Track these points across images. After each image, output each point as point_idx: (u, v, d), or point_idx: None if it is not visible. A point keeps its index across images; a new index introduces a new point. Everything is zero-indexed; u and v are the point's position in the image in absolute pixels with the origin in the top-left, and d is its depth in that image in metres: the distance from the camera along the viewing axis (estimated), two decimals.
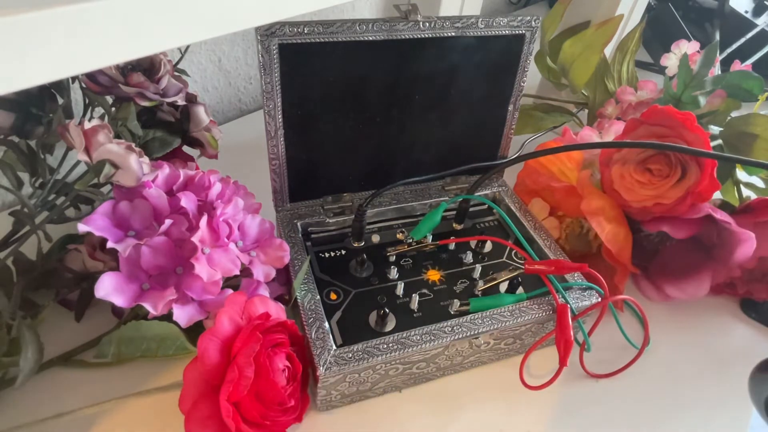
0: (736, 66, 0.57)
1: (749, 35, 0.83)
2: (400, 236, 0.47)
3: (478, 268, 0.44)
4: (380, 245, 0.46)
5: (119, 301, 0.32)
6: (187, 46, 0.58)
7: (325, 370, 0.34)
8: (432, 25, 0.41)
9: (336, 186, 0.47)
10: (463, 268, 0.45)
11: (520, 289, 0.42)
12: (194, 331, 0.35)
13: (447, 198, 0.50)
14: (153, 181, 0.36)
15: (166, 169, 0.37)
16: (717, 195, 0.53)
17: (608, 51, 0.65)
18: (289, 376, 0.34)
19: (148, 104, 0.42)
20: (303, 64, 0.39)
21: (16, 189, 0.37)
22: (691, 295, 0.46)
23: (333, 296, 0.41)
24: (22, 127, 0.39)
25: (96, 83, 0.40)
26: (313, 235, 0.46)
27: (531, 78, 0.50)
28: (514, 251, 0.47)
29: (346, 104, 0.42)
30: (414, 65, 0.42)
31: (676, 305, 0.50)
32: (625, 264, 0.45)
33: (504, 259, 0.46)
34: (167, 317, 0.34)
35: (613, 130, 0.53)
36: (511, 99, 0.48)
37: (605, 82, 0.64)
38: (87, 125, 0.33)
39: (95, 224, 0.33)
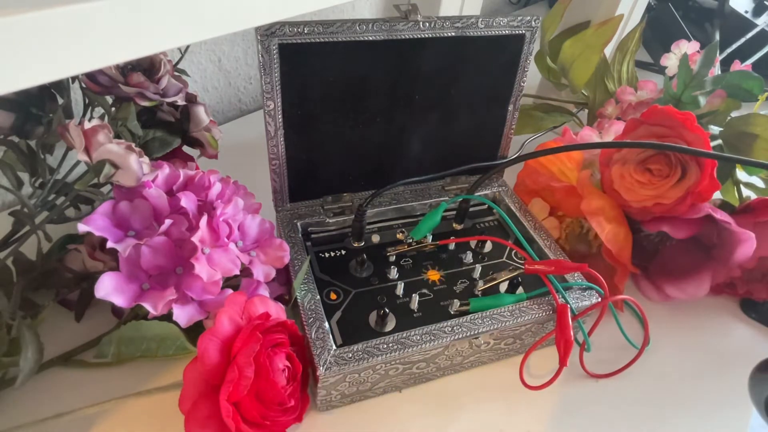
0: (736, 66, 0.57)
1: (749, 35, 0.83)
2: (400, 236, 0.47)
3: (478, 268, 0.44)
4: (380, 245, 0.46)
5: (119, 301, 0.32)
6: (187, 46, 0.58)
7: (325, 370, 0.34)
8: (432, 25, 0.41)
9: (336, 186, 0.47)
10: (463, 268, 0.45)
11: (520, 289, 0.42)
12: (194, 331, 0.35)
13: (447, 198, 0.50)
14: (153, 181, 0.36)
15: (166, 169, 0.37)
16: (717, 195, 0.53)
17: (608, 51, 0.65)
18: (289, 376, 0.34)
19: (148, 104, 0.42)
20: (303, 64, 0.39)
21: (16, 189, 0.37)
22: (691, 295, 0.46)
23: (333, 296, 0.41)
24: (22, 127, 0.39)
25: (96, 83, 0.40)
26: (313, 235, 0.46)
27: (531, 78, 0.50)
28: (514, 251, 0.47)
29: (346, 104, 0.42)
30: (414, 65, 0.42)
31: (676, 305, 0.50)
32: (625, 264, 0.45)
33: (504, 259, 0.46)
34: (167, 317, 0.34)
35: (613, 130, 0.53)
36: (511, 99, 0.48)
37: (605, 82, 0.64)
38: (87, 125, 0.33)
39: (95, 224, 0.33)
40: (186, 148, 0.48)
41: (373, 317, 0.39)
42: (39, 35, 0.17)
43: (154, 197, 0.35)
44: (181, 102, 0.44)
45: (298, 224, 0.45)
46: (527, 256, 0.44)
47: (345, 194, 0.47)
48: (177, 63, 0.48)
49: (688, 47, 0.60)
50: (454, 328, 0.38)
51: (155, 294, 0.33)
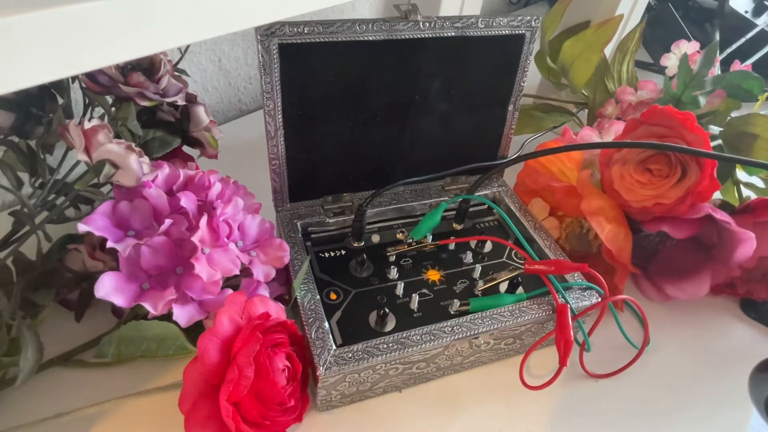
0: (736, 66, 0.57)
1: (749, 35, 0.83)
2: (400, 236, 0.47)
3: (478, 268, 0.44)
4: (380, 245, 0.46)
5: (119, 301, 0.32)
6: (187, 46, 0.58)
7: (325, 370, 0.34)
8: (432, 25, 0.41)
9: (336, 186, 0.47)
10: (463, 268, 0.45)
11: (520, 289, 0.42)
12: (194, 331, 0.35)
13: (447, 198, 0.50)
14: (153, 181, 0.36)
15: (166, 169, 0.37)
16: (717, 195, 0.53)
17: (608, 51, 0.65)
18: (289, 376, 0.34)
19: (148, 104, 0.42)
20: (303, 64, 0.39)
21: (16, 189, 0.37)
22: (691, 295, 0.46)
23: (333, 296, 0.41)
24: (22, 127, 0.39)
25: (96, 83, 0.40)
26: (313, 235, 0.46)
27: (531, 78, 0.50)
28: (514, 251, 0.47)
29: (346, 104, 0.42)
30: (414, 65, 0.42)
31: (676, 305, 0.50)
32: (625, 264, 0.45)
33: (504, 259, 0.46)
34: (167, 317, 0.34)
35: (613, 130, 0.53)
36: (511, 99, 0.48)
37: (605, 82, 0.64)
38: (87, 125, 0.33)
39: (95, 224, 0.33)
40: (186, 148, 0.48)
41: (373, 317, 0.39)
42: (39, 35, 0.17)
43: (154, 197, 0.35)
44: (181, 102, 0.44)
45: (298, 224, 0.45)
46: (527, 256, 0.44)
47: (345, 194, 0.47)
48: (177, 63, 0.48)
49: (688, 47, 0.60)
50: (454, 328, 0.38)
51: (155, 294, 0.33)
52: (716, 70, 0.57)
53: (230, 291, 0.35)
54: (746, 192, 0.54)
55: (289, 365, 0.34)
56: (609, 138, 0.52)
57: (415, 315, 0.40)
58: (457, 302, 0.40)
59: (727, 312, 0.51)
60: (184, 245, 0.35)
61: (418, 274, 0.44)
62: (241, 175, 0.44)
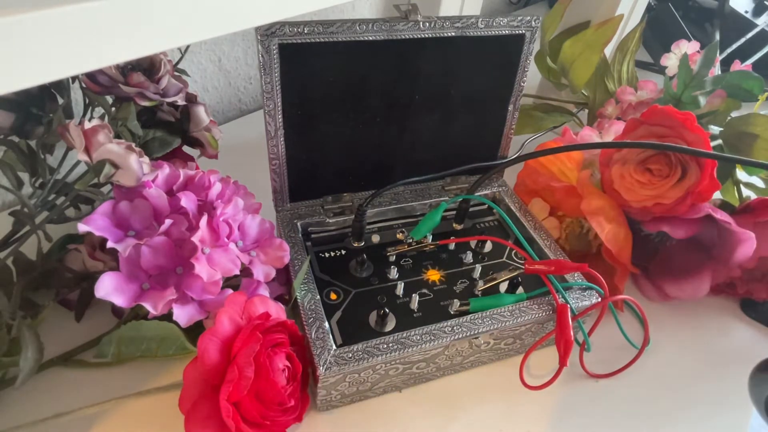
0: (736, 66, 0.57)
1: (749, 35, 0.83)
2: (400, 236, 0.47)
3: (478, 268, 0.44)
4: (380, 245, 0.46)
5: (119, 301, 0.32)
6: (187, 46, 0.58)
7: (325, 370, 0.34)
8: (432, 25, 0.41)
9: (336, 186, 0.47)
10: (463, 268, 0.45)
11: (520, 289, 0.42)
12: (194, 331, 0.35)
13: (447, 198, 0.50)
14: (153, 181, 0.36)
15: (166, 169, 0.37)
16: (717, 195, 0.53)
17: (608, 51, 0.65)
18: (289, 376, 0.34)
19: (148, 104, 0.42)
20: (303, 64, 0.39)
21: (16, 189, 0.37)
22: (691, 295, 0.46)
23: (333, 296, 0.41)
24: (22, 127, 0.39)
25: (96, 83, 0.40)
26: (313, 235, 0.46)
27: (531, 78, 0.50)
28: (514, 251, 0.47)
29: (346, 104, 0.42)
30: (414, 65, 0.42)
31: (676, 305, 0.50)
32: (625, 264, 0.45)
33: (504, 259, 0.46)
34: (167, 317, 0.34)
35: (613, 130, 0.53)
36: (511, 99, 0.48)
37: (605, 82, 0.64)
38: (87, 125, 0.33)
39: (95, 224, 0.33)
40: (186, 148, 0.48)
41: (373, 317, 0.39)
42: (39, 35, 0.17)
43: (154, 197, 0.35)
44: (181, 102, 0.44)
45: (298, 224, 0.45)
46: (527, 256, 0.44)
47: (345, 194, 0.47)
48: (177, 63, 0.48)
49: (688, 47, 0.60)
50: (454, 328, 0.38)
51: (155, 294, 0.33)
52: (716, 70, 0.57)
53: (230, 291, 0.35)
54: (746, 192, 0.54)
55: (289, 365, 0.34)
56: (609, 138, 0.52)
57: (415, 315, 0.40)
58: (457, 302, 0.40)
59: (727, 312, 0.51)
60: (184, 245, 0.35)
61: (418, 274, 0.44)
62: (241, 175, 0.44)
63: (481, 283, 0.43)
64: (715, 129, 0.55)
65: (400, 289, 0.41)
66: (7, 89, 0.17)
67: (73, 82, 0.44)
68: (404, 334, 0.37)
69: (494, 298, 0.40)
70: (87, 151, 0.34)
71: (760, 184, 0.54)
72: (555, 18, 0.62)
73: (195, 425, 0.31)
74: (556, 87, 0.67)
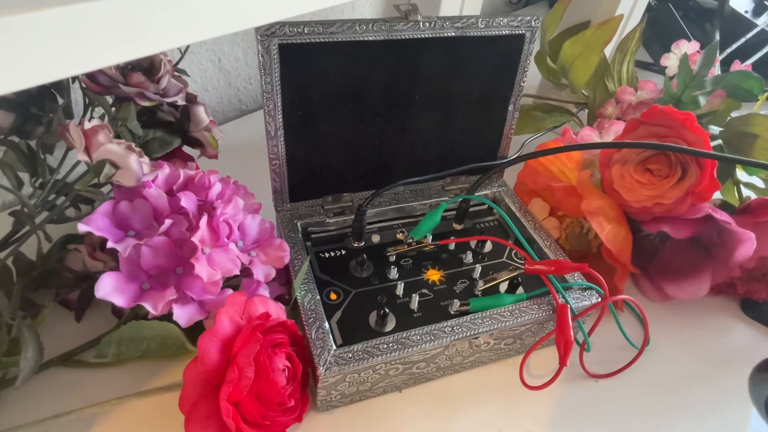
0: (736, 66, 0.57)
1: (749, 35, 0.83)
2: (400, 236, 0.47)
3: (478, 268, 0.44)
4: (380, 245, 0.46)
5: (119, 301, 0.32)
6: (187, 46, 0.58)
7: (325, 370, 0.34)
8: (432, 25, 0.41)
9: (336, 186, 0.47)
10: (463, 268, 0.45)
11: (520, 289, 0.42)
12: (194, 331, 0.35)
13: (447, 198, 0.50)
14: (153, 181, 0.36)
15: (166, 169, 0.37)
16: (717, 195, 0.53)
17: (608, 51, 0.65)
18: (289, 376, 0.34)
19: (148, 104, 0.42)
20: (303, 64, 0.39)
21: (16, 189, 0.37)
22: (691, 295, 0.46)
23: (333, 296, 0.41)
24: (22, 127, 0.39)
25: (96, 83, 0.40)
26: (313, 235, 0.46)
27: (531, 78, 0.50)
28: (514, 251, 0.47)
29: (346, 104, 0.42)
30: (414, 65, 0.42)
31: (676, 305, 0.50)
32: (625, 264, 0.45)
33: (504, 259, 0.46)
34: (167, 317, 0.34)
35: (613, 130, 0.53)
36: (511, 99, 0.48)
37: (605, 82, 0.64)
38: (87, 125, 0.33)
39: (95, 224, 0.33)
40: (186, 148, 0.48)
41: (373, 317, 0.39)
42: (39, 35, 0.17)
43: (154, 197, 0.35)
44: (181, 102, 0.44)
45: (298, 224, 0.45)
46: (527, 256, 0.44)
47: (345, 194, 0.47)
48: (177, 63, 0.48)
49: (688, 47, 0.60)
50: (454, 328, 0.38)
51: (155, 294, 0.33)
52: (716, 70, 0.57)
53: (230, 291, 0.35)
54: (746, 192, 0.54)
55: (289, 365, 0.34)
56: (609, 138, 0.52)
57: (415, 315, 0.40)
58: (457, 302, 0.40)
59: (727, 312, 0.51)
60: (184, 245, 0.35)
61: (418, 274, 0.44)
62: (241, 175, 0.44)
63: (481, 283, 0.43)
64: (715, 129, 0.55)
65: (400, 289, 0.41)
66: (7, 89, 0.17)
67: (73, 82, 0.44)
68: (404, 334, 0.37)
69: (494, 298, 0.40)
70: (87, 151, 0.34)
71: (760, 184, 0.54)
72: (555, 18, 0.62)
73: (195, 425, 0.31)
74: (556, 87, 0.67)
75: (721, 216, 0.43)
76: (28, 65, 0.17)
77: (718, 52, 0.55)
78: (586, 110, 0.67)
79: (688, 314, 0.50)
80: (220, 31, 0.23)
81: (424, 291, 0.42)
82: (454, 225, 0.49)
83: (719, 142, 0.54)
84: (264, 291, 0.38)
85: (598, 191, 0.47)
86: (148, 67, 0.43)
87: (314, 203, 0.47)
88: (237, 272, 0.35)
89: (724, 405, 0.43)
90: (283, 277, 0.42)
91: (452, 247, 0.46)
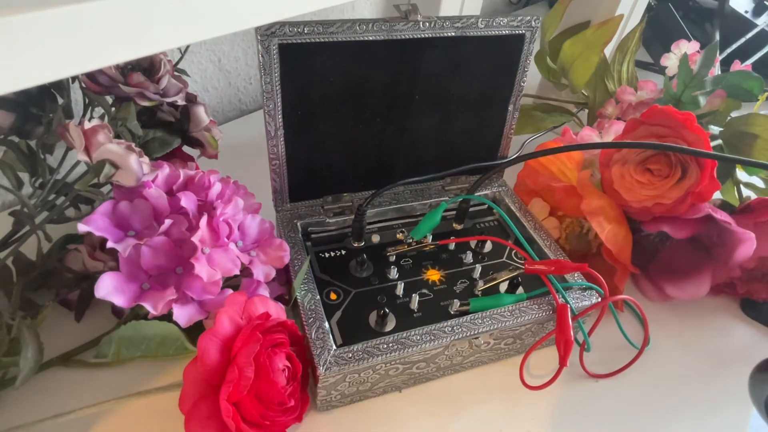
0: (736, 66, 0.57)
1: (749, 35, 0.83)
2: (400, 236, 0.47)
3: (478, 268, 0.44)
4: (380, 245, 0.46)
5: (119, 301, 0.32)
6: (187, 46, 0.58)
7: (325, 370, 0.34)
8: (432, 25, 0.41)
9: (336, 186, 0.47)
10: (463, 268, 0.45)
11: (520, 289, 0.42)
12: (194, 331, 0.35)
13: (447, 198, 0.50)
14: (153, 181, 0.36)
15: (166, 169, 0.37)
16: (717, 195, 0.53)
17: (608, 51, 0.65)
18: (289, 376, 0.34)
19: (148, 104, 0.42)
20: (303, 64, 0.39)
21: (16, 189, 0.37)
22: (691, 295, 0.46)
23: (333, 296, 0.41)
24: (22, 127, 0.39)
25: (96, 83, 0.40)
26: (313, 235, 0.46)
27: (531, 78, 0.50)
28: (514, 251, 0.47)
29: (346, 104, 0.42)
30: (414, 65, 0.42)
31: (676, 305, 0.50)
32: (625, 264, 0.45)
33: (504, 259, 0.46)
34: (167, 317, 0.34)
35: (613, 130, 0.53)
36: (511, 99, 0.48)
37: (605, 82, 0.64)
38: (87, 125, 0.33)
39: (95, 224, 0.33)
40: (186, 148, 0.48)
41: (373, 317, 0.39)
42: (39, 35, 0.17)
43: (154, 197, 0.35)
44: (181, 102, 0.44)
45: (298, 224, 0.45)
46: (527, 256, 0.44)
47: (345, 194, 0.47)
48: (177, 63, 0.48)
49: (688, 47, 0.60)
50: (454, 328, 0.38)
51: (155, 294, 0.33)
52: (716, 70, 0.57)
53: (230, 291, 0.35)
54: (746, 192, 0.54)
55: (289, 365, 0.34)
56: (609, 138, 0.52)
57: (415, 315, 0.40)
58: (457, 302, 0.40)
59: (727, 312, 0.51)
60: (184, 245, 0.35)
61: (418, 274, 0.44)
62: (241, 175, 0.44)
63: (481, 283, 0.43)
64: (715, 129, 0.55)
65: (400, 289, 0.41)
66: (7, 89, 0.17)
67: (73, 82, 0.44)
68: (404, 334, 0.37)
69: (494, 298, 0.40)
70: (87, 151, 0.34)
71: (760, 184, 0.54)
72: (555, 18, 0.62)
73: (195, 425, 0.31)
74: (556, 87, 0.67)
75: (721, 216, 0.43)
76: (28, 65, 0.17)
77: (718, 52, 0.55)
78: (586, 110, 0.67)
79: (688, 314, 0.50)
80: (220, 31, 0.23)
81: (424, 291, 0.42)
82: (454, 225, 0.49)
83: (719, 142, 0.54)
84: (264, 291, 0.38)
85: (598, 191, 0.47)
86: (148, 67, 0.43)
87: (314, 203, 0.47)
88: (237, 272, 0.35)
89: (724, 405, 0.43)
90: (283, 277, 0.42)
91: (452, 247, 0.46)
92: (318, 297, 0.39)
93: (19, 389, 0.34)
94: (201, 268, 0.33)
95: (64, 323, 0.41)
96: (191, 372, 0.32)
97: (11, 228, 0.39)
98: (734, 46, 0.81)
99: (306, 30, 0.37)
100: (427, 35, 0.41)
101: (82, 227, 0.32)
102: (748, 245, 0.42)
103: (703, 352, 0.47)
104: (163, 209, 0.36)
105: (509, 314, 0.39)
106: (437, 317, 0.39)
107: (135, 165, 0.34)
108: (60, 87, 0.40)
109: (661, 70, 0.62)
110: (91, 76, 0.40)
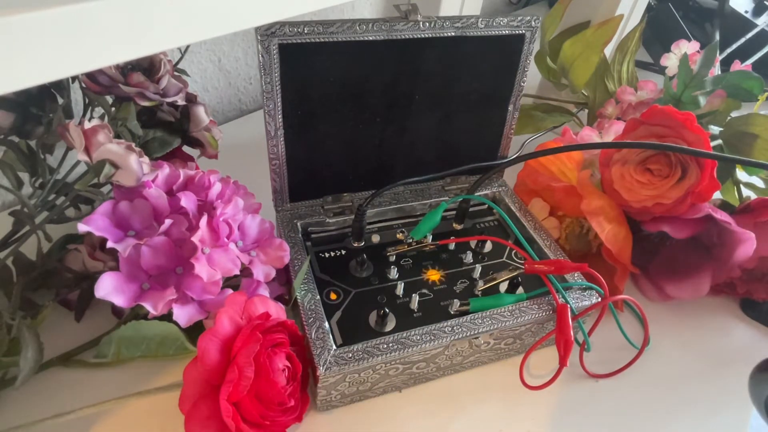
0: (736, 66, 0.57)
1: (749, 35, 0.83)
2: (400, 236, 0.47)
3: (478, 268, 0.44)
4: (380, 245, 0.46)
5: (119, 301, 0.32)
6: (187, 46, 0.58)
7: (325, 370, 0.34)
8: (432, 25, 0.41)
9: (336, 186, 0.47)
10: (463, 268, 0.45)
11: (520, 289, 0.42)
12: (194, 331, 0.35)
13: (447, 198, 0.50)
14: (153, 181, 0.36)
15: (166, 169, 0.37)
16: (717, 195, 0.53)
17: (608, 51, 0.65)
18: (289, 376, 0.34)
19: (148, 104, 0.42)
20: (303, 64, 0.39)
21: (16, 189, 0.37)
22: (691, 295, 0.46)
23: (333, 296, 0.41)
24: (22, 127, 0.39)
25: (96, 83, 0.40)
26: (313, 235, 0.46)
27: (531, 78, 0.50)
28: (514, 251, 0.47)
29: (346, 104, 0.42)
30: (414, 65, 0.42)
31: (676, 305, 0.50)
32: (625, 264, 0.45)
33: (504, 259, 0.46)
34: (167, 317, 0.34)
35: (613, 130, 0.53)
36: (511, 99, 0.48)
37: (605, 82, 0.64)
38: (87, 125, 0.33)
39: (95, 224, 0.33)
40: (186, 148, 0.48)
41: (373, 317, 0.39)
42: (39, 35, 0.17)
43: (154, 197, 0.35)
44: (181, 102, 0.44)
45: (298, 224, 0.45)
46: (527, 256, 0.44)
47: (345, 194, 0.47)
48: (177, 63, 0.48)
49: (688, 47, 0.60)
50: (454, 328, 0.38)
51: (155, 294, 0.33)
52: (716, 70, 0.57)
53: (230, 291, 0.35)
54: (746, 192, 0.54)
55: (289, 365, 0.34)
56: (609, 138, 0.52)
57: (415, 315, 0.40)
58: (457, 302, 0.40)
59: (727, 312, 0.51)
60: (184, 245, 0.35)
61: (418, 274, 0.44)
62: (241, 175, 0.44)
63: (481, 283, 0.43)
64: (715, 129, 0.55)
65: (400, 289, 0.41)
66: (7, 89, 0.17)
67: (73, 82, 0.44)
68: (404, 334, 0.37)
69: (494, 298, 0.40)
70: (87, 151, 0.34)
71: (760, 184, 0.54)
72: (555, 18, 0.62)
73: (195, 425, 0.31)
74: (556, 87, 0.67)
75: (721, 216, 0.43)
76: (28, 65, 0.17)
77: (718, 52, 0.55)
78: (586, 110, 0.67)
79: (688, 314, 0.50)
80: (220, 31, 0.23)
81: (424, 291, 0.42)
82: (454, 225, 0.49)
83: (719, 142, 0.54)
84: (264, 291, 0.38)
85: (598, 191, 0.47)
86: (148, 67, 0.43)
87: (314, 203, 0.47)
88: (237, 272, 0.35)
89: (724, 405, 0.43)
90: (283, 277, 0.42)
91: (452, 247, 0.46)
92: (318, 297, 0.39)
93: (19, 389, 0.34)
94: (201, 268, 0.33)
95: (64, 323, 0.41)
96: (191, 372, 0.32)
97: (11, 228, 0.39)
98: (734, 46, 0.81)
99: (306, 30, 0.37)
100: (427, 35, 0.41)
101: (82, 227, 0.32)
102: (748, 245, 0.42)
103: (703, 352, 0.47)
104: (163, 209, 0.36)
105: (509, 314, 0.39)
106: (437, 317, 0.39)
107: (135, 165, 0.34)
108: (60, 87, 0.40)
109: (661, 70, 0.62)
110: (91, 76, 0.40)
